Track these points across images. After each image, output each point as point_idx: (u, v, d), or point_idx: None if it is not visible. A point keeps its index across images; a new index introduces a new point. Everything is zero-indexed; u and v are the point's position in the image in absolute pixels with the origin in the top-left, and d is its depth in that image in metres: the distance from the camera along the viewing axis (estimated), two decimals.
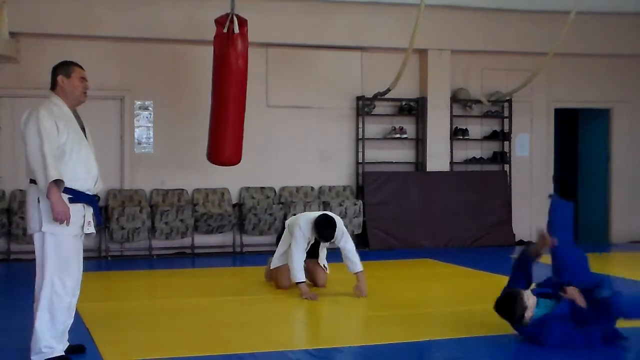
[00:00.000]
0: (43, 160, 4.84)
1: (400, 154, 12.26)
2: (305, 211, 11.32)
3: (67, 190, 4.96)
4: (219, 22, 9.63)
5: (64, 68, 5.19)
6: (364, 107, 12.00)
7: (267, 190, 11.62)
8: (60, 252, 5.00)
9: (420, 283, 8.67)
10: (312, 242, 7.60)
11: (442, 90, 12.30)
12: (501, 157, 12.65)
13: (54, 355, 5.02)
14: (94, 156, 5.18)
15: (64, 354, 5.09)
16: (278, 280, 7.88)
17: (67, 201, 4.93)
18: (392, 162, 12.15)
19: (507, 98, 12.43)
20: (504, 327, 6.35)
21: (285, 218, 11.30)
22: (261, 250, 11.53)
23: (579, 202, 13.42)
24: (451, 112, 12.37)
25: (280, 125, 11.63)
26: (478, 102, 12.42)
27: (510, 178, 12.68)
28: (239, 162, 10.17)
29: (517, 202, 12.61)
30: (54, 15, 10.62)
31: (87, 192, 5.09)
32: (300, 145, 11.83)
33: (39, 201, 4.94)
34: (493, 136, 12.71)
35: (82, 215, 5.08)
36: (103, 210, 10.83)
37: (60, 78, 5.14)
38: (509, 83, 12.30)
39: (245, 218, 11.18)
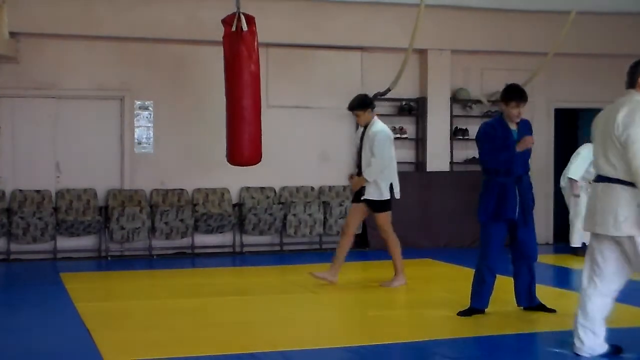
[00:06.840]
0: None
1: (400, 154, 12.19)
2: (305, 212, 11.34)
3: None
4: (227, 21, 9.56)
5: None
6: None
7: (267, 190, 11.62)
8: None
9: (420, 283, 8.67)
10: None
11: (442, 90, 12.29)
12: None
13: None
14: None
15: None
16: None
17: None
18: None
19: None
20: (504, 327, 6.35)
21: (285, 218, 11.32)
22: (261, 250, 11.54)
23: None
24: (451, 112, 12.36)
25: (280, 125, 11.61)
26: (478, 102, 12.41)
27: None
28: (260, 160, 9.78)
29: None
30: (54, 15, 10.61)
31: None
32: (300, 145, 11.82)
33: (639, 205, 5.05)
34: None
35: None
36: (103, 210, 10.85)
37: None
38: (508, 83, 12.26)
39: (245, 218, 11.18)
